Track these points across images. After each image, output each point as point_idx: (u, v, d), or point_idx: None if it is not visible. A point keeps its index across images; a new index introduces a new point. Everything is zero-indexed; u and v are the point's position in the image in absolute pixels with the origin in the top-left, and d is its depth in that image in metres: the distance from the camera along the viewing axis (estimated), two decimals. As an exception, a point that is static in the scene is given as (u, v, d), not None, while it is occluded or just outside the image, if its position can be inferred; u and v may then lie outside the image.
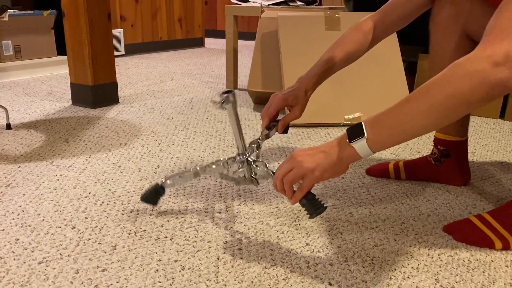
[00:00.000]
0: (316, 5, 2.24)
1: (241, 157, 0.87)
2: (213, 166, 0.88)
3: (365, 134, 0.66)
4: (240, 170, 0.88)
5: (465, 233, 0.87)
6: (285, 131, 0.98)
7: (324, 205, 0.75)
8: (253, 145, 0.89)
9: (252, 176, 0.87)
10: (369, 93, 1.69)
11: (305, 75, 1.00)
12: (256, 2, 2.24)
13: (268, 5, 2.15)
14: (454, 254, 0.82)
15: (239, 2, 2.28)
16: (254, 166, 0.87)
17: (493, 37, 0.61)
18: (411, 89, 1.94)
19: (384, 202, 1.03)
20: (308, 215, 0.76)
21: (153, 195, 0.93)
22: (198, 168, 0.89)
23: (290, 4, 2.18)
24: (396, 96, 1.67)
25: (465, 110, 0.62)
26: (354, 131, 0.68)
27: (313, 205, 0.74)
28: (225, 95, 0.78)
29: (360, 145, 0.67)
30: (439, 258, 0.81)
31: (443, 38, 1.00)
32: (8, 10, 2.33)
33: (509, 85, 0.60)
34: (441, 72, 0.64)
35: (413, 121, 0.64)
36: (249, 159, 0.87)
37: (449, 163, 1.11)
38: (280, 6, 2.12)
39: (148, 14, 3.54)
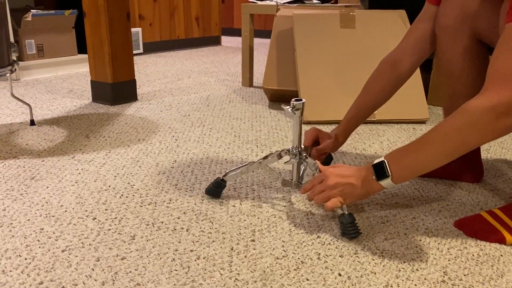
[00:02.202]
0: (331, 3, 2.25)
1: (295, 150, 0.96)
2: (269, 158, 0.97)
3: (390, 174, 0.78)
4: (291, 160, 0.97)
5: (476, 228, 0.88)
6: (327, 161, 1.13)
7: (359, 231, 0.86)
8: (307, 147, 1.08)
9: (299, 181, 0.97)
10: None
11: None
12: (272, 0, 2.26)
13: (284, 3, 2.17)
14: (464, 248, 0.84)
15: (255, 1, 2.30)
16: (304, 161, 0.97)
17: (496, 84, 0.69)
18: (426, 86, 1.94)
19: (395, 197, 1.05)
20: (342, 234, 0.87)
21: (215, 188, 1.01)
22: (254, 162, 0.98)
23: (306, 2, 2.19)
24: (410, 94, 1.67)
25: (476, 147, 0.73)
26: (380, 170, 0.79)
27: (349, 227, 0.85)
28: (296, 102, 0.90)
29: (386, 183, 0.79)
30: (448, 252, 0.82)
31: (451, 40, 0.99)
32: (31, 10, 2.40)
33: None
34: (453, 118, 0.72)
35: (431, 161, 0.75)
36: (301, 153, 0.97)
37: (461, 160, 1.12)
38: (295, 4, 2.14)
39: (166, 13, 3.59)
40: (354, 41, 1.76)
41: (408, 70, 1.04)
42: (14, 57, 1.36)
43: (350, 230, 0.85)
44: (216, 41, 4.19)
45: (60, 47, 2.58)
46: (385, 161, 0.78)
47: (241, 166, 0.99)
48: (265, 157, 0.98)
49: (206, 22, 4.01)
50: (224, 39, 4.75)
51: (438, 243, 0.85)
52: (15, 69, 1.33)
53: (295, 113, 0.91)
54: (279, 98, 1.95)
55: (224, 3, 5.22)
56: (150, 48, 3.54)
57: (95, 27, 1.81)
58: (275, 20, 1.95)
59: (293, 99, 0.91)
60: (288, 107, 0.91)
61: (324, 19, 1.79)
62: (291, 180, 0.97)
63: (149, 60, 3.17)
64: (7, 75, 1.30)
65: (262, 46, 4.20)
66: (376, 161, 0.80)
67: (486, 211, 0.91)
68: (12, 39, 1.33)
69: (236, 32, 5.23)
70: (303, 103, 0.91)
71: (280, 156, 0.98)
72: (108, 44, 1.79)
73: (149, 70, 2.78)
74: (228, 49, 3.90)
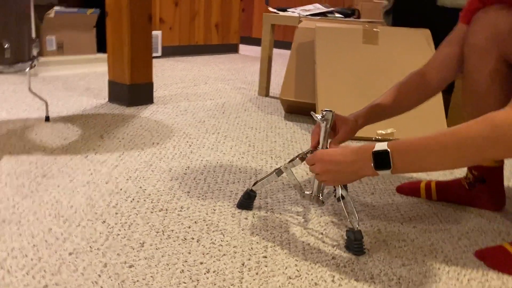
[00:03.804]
0: (354, 18, 2.23)
1: None
2: (294, 162, 0.95)
3: (391, 166, 0.72)
4: None
5: (497, 260, 0.84)
6: None
7: (364, 250, 0.85)
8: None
9: (319, 196, 0.93)
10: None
11: None
12: (294, 12, 2.25)
13: (306, 15, 2.16)
14: (485, 280, 0.80)
15: (277, 11, 2.29)
16: None
17: None
18: (446, 107, 1.90)
19: (413, 222, 1.01)
20: (346, 247, 0.87)
21: (246, 200, 1.00)
22: (280, 168, 0.97)
23: (329, 15, 2.18)
24: (430, 114, 1.64)
25: (490, 160, 0.66)
26: (382, 160, 0.73)
27: (355, 244, 0.84)
28: (325, 112, 0.89)
29: (384, 173, 0.74)
30: (469, 283, 0.79)
31: (479, 60, 0.96)
32: (55, 7, 2.42)
33: None
34: (474, 125, 0.67)
35: (438, 163, 0.70)
36: None
37: (483, 188, 1.08)
38: (318, 17, 2.12)
39: (186, 18, 3.60)
40: (376, 58, 1.73)
41: (435, 84, 1.01)
42: (35, 53, 1.35)
43: (354, 247, 0.85)
44: (234, 49, 4.19)
45: (80, 45, 2.59)
46: (389, 151, 0.73)
47: (269, 174, 0.98)
48: (290, 161, 0.95)
49: (226, 29, 4.02)
50: (242, 48, 4.75)
51: (458, 273, 0.81)
52: (35, 65, 1.33)
53: (323, 122, 0.90)
54: (296, 109, 1.93)
55: (245, 11, 5.23)
56: (169, 52, 3.55)
57: (116, 27, 1.81)
58: (296, 31, 1.93)
59: (323, 109, 0.90)
60: (318, 115, 0.90)
61: (347, 33, 1.77)
62: (311, 193, 0.93)
63: (167, 64, 3.17)
64: (27, 70, 1.30)
65: (280, 57, 4.19)
66: (377, 147, 0.74)
67: (509, 242, 0.87)
68: (33, 35, 1.33)
69: (255, 42, 5.23)
70: (333, 113, 0.90)
71: (303, 159, 0.95)
72: (128, 45, 1.79)
73: (166, 74, 2.77)
74: (246, 58, 3.90)
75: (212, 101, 2.08)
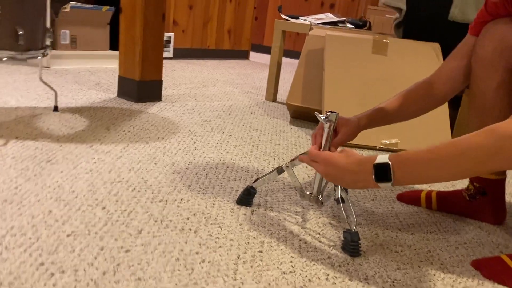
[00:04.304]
0: (365, 29, 2.24)
1: None
2: (295, 162, 0.95)
3: (392, 179, 0.72)
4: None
5: (494, 271, 0.84)
6: None
7: (360, 252, 0.86)
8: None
9: (319, 197, 0.93)
10: (409, 121, 1.67)
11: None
12: (306, 20, 2.27)
13: (318, 23, 2.18)
14: (480, 289, 0.80)
15: (289, 18, 2.31)
16: None
17: None
18: (452, 123, 1.90)
19: (411, 229, 1.01)
20: (342, 248, 0.87)
21: (246, 196, 1.00)
22: (281, 166, 0.97)
23: (340, 25, 2.19)
24: (436, 128, 1.64)
25: (491, 172, 0.68)
26: (382, 172, 0.73)
27: (351, 245, 0.85)
28: (329, 114, 0.90)
29: (384, 185, 0.74)
30: (463, 291, 0.78)
31: (486, 73, 0.97)
32: (71, 2, 2.46)
33: None
34: (476, 136, 0.67)
35: (439, 176, 0.70)
36: None
37: (484, 200, 1.08)
38: (329, 26, 2.14)
39: (200, 22, 3.64)
40: (384, 68, 1.74)
41: (441, 94, 1.01)
42: (48, 42, 1.38)
43: (351, 248, 0.85)
44: (244, 55, 4.22)
45: (93, 41, 2.63)
46: (390, 163, 0.72)
47: (270, 172, 0.98)
48: (292, 160, 0.96)
49: (238, 35, 4.05)
50: (253, 55, 4.78)
51: (453, 281, 0.81)
52: (47, 54, 1.35)
53: (327, 124, 0.90)
54: (301, 115, 1.93)
55: (257, 20, 5.27)
56: (180, 54, 3.58)
57: (129, 24, 1.83)
58: (307, 38, 1.95)
59: (328, 110, 0.91)
60: (322, 116, 0.90)
61: (357, 43, 1.78)
62: (310, 193, 0.94)
63: (177, 65, 3.20)
64: (39, 58, 1.32)
65: (288, 66, 4.21)
66: (379, 160, 0.73)
67: (507, 254, 0.87)
68: (48, 25, 1.35)
69: (265, 50, 5.26)
70: (337, 115, 0.90)
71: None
72: (140, 42, 1.81)
73: (176, 74, 2.80)
74: (256, 64, 3.92)
75: (220, 103, 2.09)
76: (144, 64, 1.85)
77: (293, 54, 5.00)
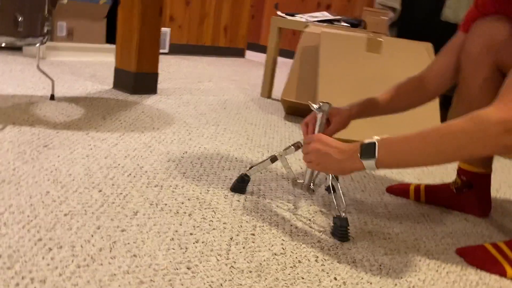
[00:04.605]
0: (360, 28, 2.28)
1: None
2: (288, 150, 0.98)
3: (376, 156, 0.75)
4: None
5: (477, 258, 0.87)
6: None
7: (348, 237, 0.88)
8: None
9: (310, 185, 0.96)
10: (400, 119, 1.70)
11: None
12: (302, 18, 2.30)
13: (313, 21, 2.21)
14: (463, 275, 0.83)
15: (285, 16, 2.34)
16: None
17: (510, 102, 0.68)
18: (442, 122, 1.94)
19: (399, 218, 1.04)
20: (331, 233, 0.90)
21: (240, 184, 1.02)
22: (275, 155, 1.00)
23: (335, 23, 2.22)
24: (426, 124, 1.67)
25: (469, 159, 0.68)
26: (368, 150, 0.76)
27: (340, 231, 0.87)
28: (322, 104, 0.93)
29: (368, 163, 0.77)
30: (447, 276, 0.81)
31: (474, 69, 1.00)
32: (68, -6, 2.46)
33: None
34: (459, 121, 0.70)
35: (421, 158, 0.73)
36: None
37: (470, 194, 1.11)
38: (324, 24, 2.17)
39: (196, 18, 3.66)
40: (378, 66, 1.77)
41: (432, 90, 1.04)
42: (46, 30, 1.39)
43: (340, 233, 0.87)
44: (241, 53, 4.24)
45: (90, 33, 2.64)
46: (376, 142, 0.76)
47: (264, 160, 1.00)
48: (285, 149, 0.99)
49: (234, 33, 4.07)
50: (249, 54, 4.81)
51: (438, 266, 0.84)
52: (46, 41, 1.36)
53: (320, 113, 0.93)
54: (296, 111, 1.96)
55: (254, 18, 5.30)
56: (176, 49, 3.60)
57: (127, 16, 1.85)
58: (302, 35, 1.98)
59: (321, 101, 0.94)
60: (315, 105, 0.93)
61: (351, 41, 1.81)
62: (302, 182, 0.96)
63: (173, 60, 3.22)
64: (37, 45, 1.33)
65: (284, 65, 4.24)
66: (366, 140, 0.78)
67: (490, 243, 0.90)
68: (46, 13, 1.37)
69: (261, 49, 5.29)
70: (330, 105, 0.93)
71: (298, 147, 0.98)
72: (137, 34, 1.83)
73: (171, 69, 2.82)
74: (252, 63, 3.95)
75: (215, 97, 2.11)
76: (140, 56, 1.86)
77: (289, 53, 5.03)
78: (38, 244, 0.70)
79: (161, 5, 1.88)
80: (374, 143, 0.76)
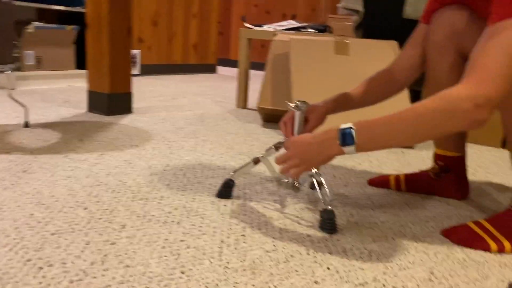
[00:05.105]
0: (327, 33, 2.33)
1: None
2: (269, 151, 0.99)
3: (355, 141, 0.77)
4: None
5: (462, 236, 0.90)
6: None
7: (336, 229, 0.90)
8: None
9: (294, 183, 0.97)
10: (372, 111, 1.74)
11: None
12: (270, 27, 2.34)
13: (281, 30, 2.25)
14: (450, 253, 0.85)
15: (253, 27, 2.38)
16: None
17: (478, 79, 0.72)
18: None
19: (383, 208, 1.06)
20: (320, 226, 0.91)
21: (226, 189, 1.03)
22: (257, 157, 1.01)
23: (302, 30, 2.27)
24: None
25: (444, 136, 0.74)
26: (346, 137, 0.78)
27: (329, 223, 0.89)
28: (299, 103, 0.96)
29: (348, 149, 0.79)
30: (435, 256, 0.84)
31: (439, 57, 1.05)
32: (34, 23, 2.45)
33: (484, 124, 0.71)
34: (431, 101, 0.74)
35: (398, 138, 0.76)
36: None
37: (448, 178, 1.15)
38: (292, 32, 2.22)
39: (164, 38, 3.68)
40: (348, 68, 1.82)
41: (401, 81, 1.08)
42: (15, 56, 1.38)
43: (327, 225, 0.89)
44: (212, 69, 4.27)
45: (59, 60, 2.62)
46: (353, 128, 0.78)
47: (247, 164, 1.02)
48: (267, 150, 1.00)
49: (203, 50, 4.10)
50: (220, 69, 4.84)
51: (425, 248, 0.87)
52: (16, 68, 1.35)
53: (298, 111, 0.95)
54: (273, 118, 1.99)
55: (222, 35, 5.35)
56: (147, 70, 3.60)
57: (96, 38, 1.85)
58: (272, 44, 2.01)
59: (298, 99, 0.96)
60: (292, 104, 0.95)
61: (320, 45, 1.86)
62: (287, 180, 0.98)
63: (145, 81, 3.22)
64: (8, 72, 1.32)
65: (256, 77, 4.29)
66: (343, 126, 0.79)
67: (473, 222, 0.93)
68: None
69: (232, 63, 5.33)
70: (306, 104, 0.95)
71: (278, 148, 0.99)
72: (108, 54, 1.83)
73: (145, 89, 2.81)
74: (224, 77, 3.98)
75: (191, 112, 2.12)
76: (113, 76, 1.86)
77: (260, 66, 5.09)
78: (27, 265, 0.69)
79: (129, 24, 1.89)
80: (352, 128, 0.78)
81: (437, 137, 0.74)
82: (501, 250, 0.86)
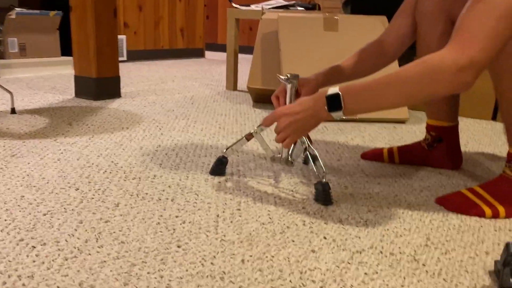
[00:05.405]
0: (315, 11, 2.31)
1: None
2: (262, 126, 0.96)
3: (343, 107, 0.77)
4: None
5: (456, 203, 0.90)
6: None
7: (332, 200, 0.90)
8: None
9: (288, 158, 0.96)
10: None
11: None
12: (258, 7, 2.31)
13: (269, 8, 2.22)
14: (445, 220, 0.85)
15: (240, 7, 2.35)
16: None
17: (462, 41, 0.71)
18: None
19: (377, 179, 1.06)
20: (315, 199, 0.91)
21: (219, 166, 1.02)
22: (250, 132, 0.99)
23: (290, 8, 2.25)
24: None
25: (430, 99, 0.76)
26: (334, 102, 0.78)
27: (324, 195, 0.89)
28: (290, 75, 0.95)
29: (336, 114, 0.79)
30: (431, 223, 0.84)
31: (429, 25, 1.04)
32: (16, 9, 2.39)
33: (470, 87, 0.71)
34: (415, 65, 0.73)
35: (384, 102, 0.76)
36: None
37: (441, 147, 1.15)
38: (280, 10, 2.19)
39: (151, 22, 3.62)
40: (337, 44, 1.80)
41: (392, 52, 1.07)
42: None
43: (322, 197, 0.89)
44: (200, 54, 4.22)
45: (43, 47, 2.57)
46: (340, 93, 0.78)
47: (239, 140, 1.00)
48: (259, 125, 0.98)
49: (191, 34, 4.05)
50: (208, 54, 4.79)
51: (421, 216, 0.87)
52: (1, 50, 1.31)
53: (289, 84, 0.94)
54: (263, 99, 1.97)
55: (209, 19, 5.29)
56: (134, 56, 3.55)
57: (81, 22, 1.81)
58: (260, 23, 1.99)
59: (288, 73, 0.95)
60: (284, 77, 0.94)
61: (308, 22, 1.84)
62: (280, 156, 0.97)
63: (132, 67, 3.17)
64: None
65: (245, 60, 4.25)
66: (330, 91, 0.79)
67: (467, 189, 0.93)
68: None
69: (220, 48, 5.28)
70: (298, 77, 0.94)
71: None
72: (93, 38, 1.79)
73: (132, 74, 2.77)
74: (212, 61, 3.94)
75: (181, 95, 2.10)
76: (99, 60, 1.83)
77: (248, 49, 5.05)
78: (20, 244, 0.68)
79: (114, 6, 1.85)
80: (339, 94, 0.77)
81: (423, 101, 0.74)
82: (495, 215, 0.87)
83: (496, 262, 0.67)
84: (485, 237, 0.79)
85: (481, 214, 0.87)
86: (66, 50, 2.66)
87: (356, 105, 0.77)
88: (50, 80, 2.36)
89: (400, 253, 0.72)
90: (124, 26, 3.42)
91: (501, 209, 0.87)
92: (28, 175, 0.97)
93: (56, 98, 1.86)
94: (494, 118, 1.83)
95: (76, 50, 1.87)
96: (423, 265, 0.69)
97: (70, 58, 2.66)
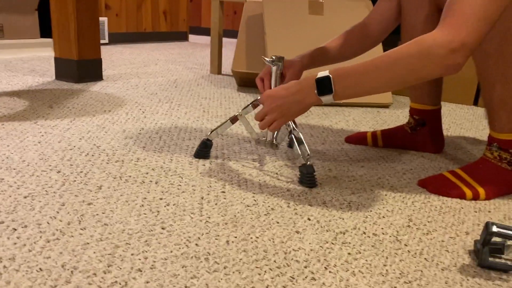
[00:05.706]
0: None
1: None
2: (247, 109, 0.96)
3: (333, 91, 0.76)
4: None
5: (438, 185, 0.92)
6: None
7: (316, 183, 0.90)
8: None
9: (273, 141, 0.95)
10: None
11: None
12: (242, -11, 2.28)
13: (254, -9, 2.19)
14: (427, 202, 0.87)
15: (225, -11, 2.31)
16: None
17: (454, 23, 0.70)
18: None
19: (361, 162, 1.07)
20: (299, 181, 0.91)
21: (203, 149, 1.01)
22: (235, 115, 0.98)
23: (275, -9, 2.22)
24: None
25: (420, 82, 0.74)
26: (324, 86, 0.77)
27: (307, 177, 0.89)
28: (275, 57, 0.94)
29: (326, 98, 0.78)
30: (413, 204, 0.85)
31: (415, 9, 1.04)
32: (-8, -12, 2.31)
33: (460, 68, 0.71)
34: (406, 46, 0.72)
35: (374, 85, 0.75)
36: None
37: (424, 131, 1.16)
38: (265, -7, 2.16)
39: (133, 4, 3.54)
40: (322, 27, 1.80)
41: (376, 35, 1.07)
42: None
43: (307, 180, 0.89)
44: (183, 37, 4.17)
45: (22, 28, 2.49)
46: (331, 76, 0.76)
47: (224, 122, 0.99)
48: (244, 108, 0.98)
49: (174, 17, 3.99)
50: (192, 37, 4.73)
51: (403, 198, 0.88)
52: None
53: (275, 66, 0.94)
54: (248, 82, 1.96)
55: (192, 2, 5.21)
56: (116, 39, 3.48)
57: (60, 1, 1.76)
58: (245, 5, 1.96)
59: (273, 55, 0.94)
60: (269, 59, 0.93)
61: (294, 5, 1.82)
62: (265, 139, 0.97)
63: (114, 50, 3.11)
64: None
65: (229, 44, 4.21)
66: (320, 75, 0.77)
67: (448, 171, 0.95)
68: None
69: (204, 31, 5.22)
70: (283, 59, 0.93)
71: (256, 106, 0.97)
72: (74, 19, 1.75)
73: (114, 57, 2.72)
74: (196, 45, 3.89)
75: (164, 78, 2.07)
76: (80, 42, 1.79)
77: (233, 33, 5.00)
78: (0, 227, 0.67)
79: (95, -13, 1.80)
80: (329, 77, 0.76)
81: (413, 83, 0.73)
82: (476, 196, 0.88)
83: (475, 241, 0.69)
84: (465, 218, 0.81)
85: (462, 196, 0.89)
86: (45, 31, 2.59)
87: (346, 88, 0.76)
88: (29, 62, 2.30)
89: (383, 233, 0.73)
90: (106, 8, 3.34)
91: (481, 191, 0.89)
92: (7, 157, 0.95)
93: (36, 81, 1.82)
94: (475, 103, 1.86)
95: (56, 31, 1.82)
96: (405, 245, 0.70)
97: (50, 39, 2.59)
